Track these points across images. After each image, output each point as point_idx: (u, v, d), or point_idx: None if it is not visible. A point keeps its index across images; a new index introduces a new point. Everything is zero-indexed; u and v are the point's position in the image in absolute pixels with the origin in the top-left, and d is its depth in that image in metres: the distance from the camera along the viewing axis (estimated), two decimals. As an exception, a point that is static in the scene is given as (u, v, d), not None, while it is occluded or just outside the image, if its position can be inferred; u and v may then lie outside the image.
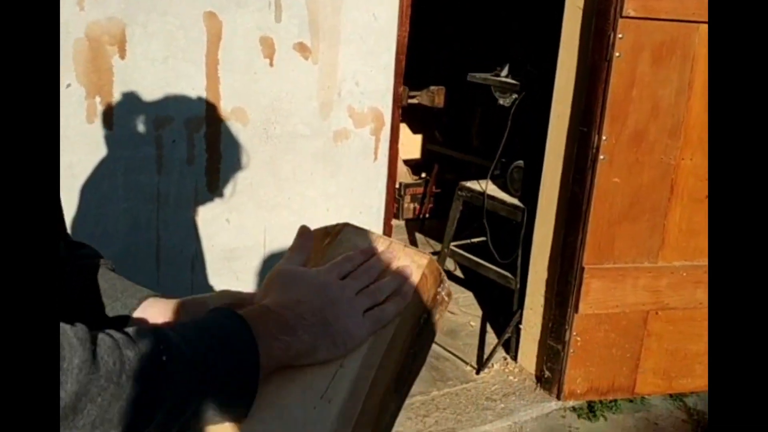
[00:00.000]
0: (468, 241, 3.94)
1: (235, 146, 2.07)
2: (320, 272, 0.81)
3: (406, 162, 5.33)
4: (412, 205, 5.20)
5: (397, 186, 5.04)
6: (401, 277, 0.83)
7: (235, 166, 2.10)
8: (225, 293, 0.86)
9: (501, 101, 3.54)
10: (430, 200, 5.17)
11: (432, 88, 4.87)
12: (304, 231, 0.87)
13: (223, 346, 0.68)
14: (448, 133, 5.29)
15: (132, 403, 0.59)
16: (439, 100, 4.91)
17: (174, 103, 1.94)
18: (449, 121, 5.21)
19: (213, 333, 0.69)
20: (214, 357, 0.67)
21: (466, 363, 3.35)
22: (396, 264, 0.85)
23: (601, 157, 2.78)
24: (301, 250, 0.85)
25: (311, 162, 2.20)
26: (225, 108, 2.02)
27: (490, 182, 3.56)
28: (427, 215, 5.19)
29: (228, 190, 2.10)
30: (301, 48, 2.09)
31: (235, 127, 2.05)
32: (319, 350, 0.75)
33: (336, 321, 0.76)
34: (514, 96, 3.46)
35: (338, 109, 2.19)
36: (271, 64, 2.05)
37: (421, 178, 5.33)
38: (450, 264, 4.23)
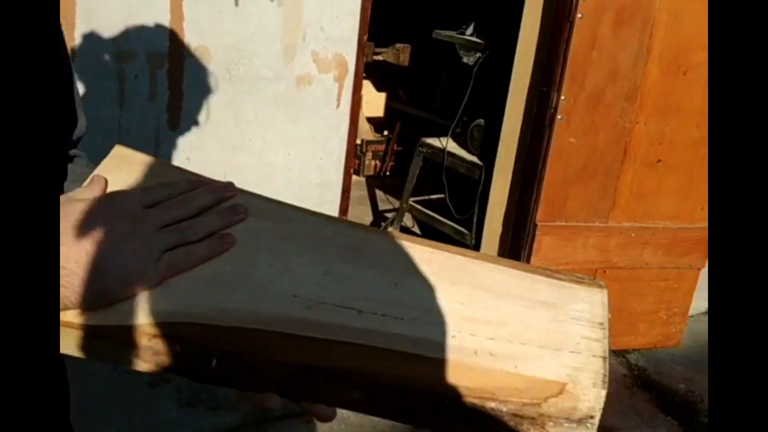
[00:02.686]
0: (427, 197, 4.00)
1: (197, 85, 2.07)
2: (118, 196, 0.66)
3: (369, 119, 5.35)
4: (373, 162, 5.23)
5: (359, 142, 5.07)
6: (231, 215, 0.68)
7: (197, 105, 2.10)
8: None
9: (465, 59, 3.58)
10: (392, 158, 5.21)
11: (397, 45, 4.88)
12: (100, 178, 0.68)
13: None
14: (411, 92, 5.32)
15: None
16: (405, 58, 4.93)
17: (137, 36, 1.93)
18: (414, 79, 5.23)
19: None
20: None
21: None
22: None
23: (559, 117, 2.84)
24: (98, 183, 0.67)
25: (273, 106, 2.22)
26: (188, 45, 2.02)
27: (450, 140, 3.61)
28: (387, 173, 5.24)
29: (189, 128, 2.11)
30: (267, -11, 2.09)
31: (198, 65, 2.06)
32: (86, 302, 0.59)
33: (106, 265, 0.59)
34: (478, 55, 3.50)
35: (302, 53, 2.20)
36: (236, 4, 2.05)
37: (383, 136, 5.36)
38: (408, 220, 4.29)
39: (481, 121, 3.45)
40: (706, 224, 3.21)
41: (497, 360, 0.62)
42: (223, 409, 2.47)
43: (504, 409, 0.62)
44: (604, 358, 0.65)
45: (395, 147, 5.17)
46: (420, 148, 3.71)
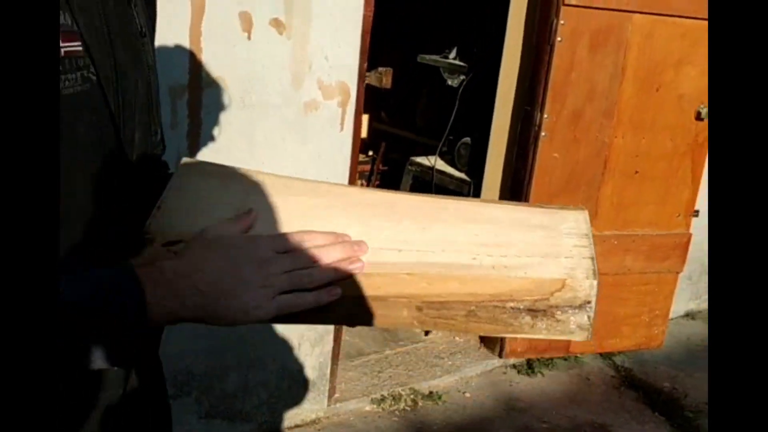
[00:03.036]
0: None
1: (214, 113, 2.22)
2: (255, 241, 0.78)
3: (354, 141, 5.51)
4: (359, 182, 5.38)
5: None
6: (343, 272, 0.79)
7: (214, 131, 2.26)
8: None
9: (449, 82, 3.77)
10: (377, 177, 5.37)
11: (380, 69, 5.04)
12: (251, 212, 0.83)
13: (107, 304, 0.69)
14: (394, 112, 5.49)
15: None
16: (387, 81, 5.09)
17: (160, 72, 2.08)
18: (395, 101, 5.42)
19: (102, 286, 0.70)
20: (95, 310, 0.69)
21: (415, 326, 3.58)
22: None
23: (543, 134, 3.03)
24: (243, 221, 0.82)
25: (283, 130, 2.38)
26: (206, 76, 2.18)
27: (438, 158, 3.80)
28: (373, 192, 5.39)
29: (207, 153, 2.26)
30: (277, 24, 2.25)
31: (215, 94, 2.21)
32: (206, 319, 0.74)
33: (231, 296, 0.74)
34: (462, 77, 3.70)
35: (309, 81, 2.37)
36: (249, 38, 2.21)
37: (368, 156, 5.52)
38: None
39: (468, 139, 3.64)
40: (682, 230, 3.42)
41: (510, 270, 0.81)
42: (239, 420, 2.60)
43: (521, 306, 0.80)
44: (592, 258, 0.84)
45: (380, 166, 5.33)
46: (409, 167, 3.88)
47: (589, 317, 0.81)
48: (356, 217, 0.87)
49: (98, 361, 0.73)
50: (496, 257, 0.83)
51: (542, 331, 0.81)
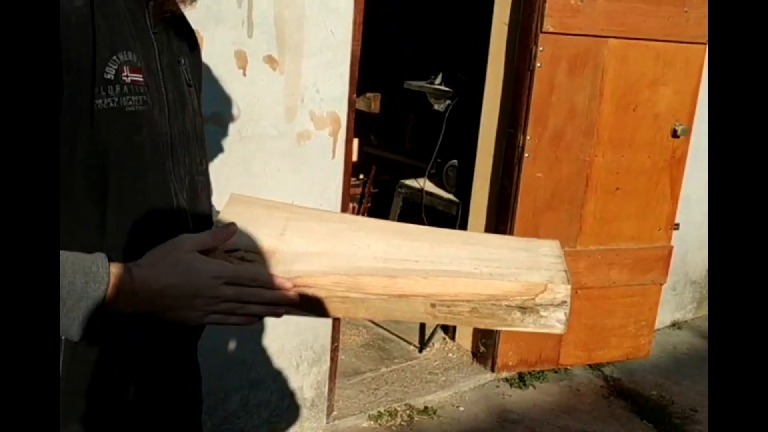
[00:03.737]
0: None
1: (213, 146, 2.34)
2: (213, 268, 0.94)
3: (344, 164, 5.63)
4: (351, 205, 5.51)
5: (337, 186, 5.35)
6: (268, 309, 0.98)
7: (214, 163, 2.38)
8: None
9: (436, 106, 3.91)
10: (368, 200, 5.50)
11: (368, 94, 5.18)
12: (230, 226, 0.98)
13: (78, 298, 0.86)
14: (383, 136, 5.63)
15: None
16: (375, 106, 5.24)
17: (161, 108, 2.21)
18: (384, 125, 5.56)
19: (78, 266, 0.86)
20: (67, 297, 0.85)
21: (410, 343, 3.69)
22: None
23: (526, 155, 3.16)
24: (214, 237, 0.97)
25: (278, 160, 2.50)
26: (205, 113, 2.29)
27: (427, 180, 3.92)
28: (365, 214, 5.52)
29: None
30: (270, 60, 2.38)
31: (213, 129, 2.33)
32: (153, 316, 0.94)
33: (177, 311, 0.93)
34: (448, 102, 3.83)
35: (301, 113, 2.49)
36: (244, 74, 2.34)
37: (359, 179, 5.65)
38: (390, 257, 4.56)
39: (455, 161, 3.76)
40: (664, 243, 3.56)
41: (504, 277, 1.03)
42: (242, 438, 2.69)
43: (513, 305, 1.02)
44: (566, 270, 1.06)
45: (371, 189, 5.46)
46: (399, 189, 4.01)
47: (565, 313, 1.02)
48: (377, 237, 1.11)
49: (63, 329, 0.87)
50: (492, 268, 1.06)
51: (530, 325, 1.03)
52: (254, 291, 0.96)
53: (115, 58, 0.93)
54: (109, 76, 0.92)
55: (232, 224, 0.98)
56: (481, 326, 1.05)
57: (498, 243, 1.18)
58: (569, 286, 1.01)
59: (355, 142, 5.90)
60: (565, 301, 1.01)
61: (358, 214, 5.48)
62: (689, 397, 3.45)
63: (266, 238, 1.04)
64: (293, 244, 1.05)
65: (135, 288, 0.90)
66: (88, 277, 0.86)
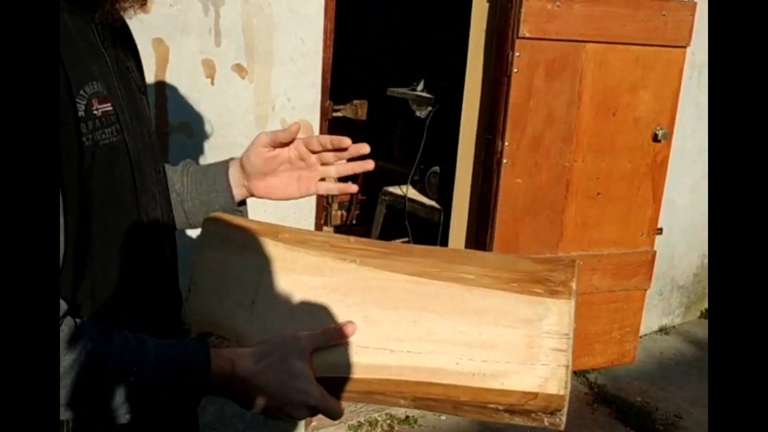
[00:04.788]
0: (392, 242, 4.27)
1: (182, 156, 2.33)
2: (308, 389, 0.94)
3: (333, 172, 5.62)
4: (340, 213, 5.49)
5: (325, 195, 5.33)
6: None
7: (182, 173, 2.36)
8: (248, 151, 1.24)
9: (418, 113, 3.90)
10: (357, 207, 5.48)
11: (355, 102, 5.17)
12: (349, 328, 0.96)
13: (176, 376, 0.88)
14: (371, 143, 5.62)
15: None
16: (362, 113, 5.22)
17: (127, 118, 2.20)
18: (372, 132, 5.54)
19: (180, 375, 0.88)
20: (167, 398, 0.89)
21: (393, 352, 3.66)
22: None
23: (505, 161, 3.15)
24: (321, 338, 0.96)
25: (249, 169, 2.49)
26: (172, 123, 2.29)
27: (410, 187, 3.91)
28: (354, 221, 5.50)
29: (176, 195, 2.36)
30: (239, 69, 2.37)
31: (182, 139, 2.32)
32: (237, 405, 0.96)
33: (266, 411, 0.94)
34: (429, 108, 3.82)
35: (273, 121, 2.48)
36: (212, 83, 2.33)
37: (347, 186, 5.64)
38: (376, 265, 4.55)
39: (437, 168, 3.75)
40: (647, 248, 3.53)
41: (489, 379, 0.91)
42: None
43: (500, 408, 0.91)
44: (567, 366, 0.91)
45: (360, 196, 5.44)
46: (383, 197, 3.99)
47: (560, 419, 0.90)
48: (356, 309, 0.97)
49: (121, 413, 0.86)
50: (477, 362, 0.92)
51: (520, 422, 0.92)
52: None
53: (82, 92, 0.88)
54: (81, 114, 0.87)
55: (352, 324, 0.97)
56: (470, 418, 1.00)
57: (496, 309, 0.95)
58: (567, 393, 0.90)
59: (344, 149, 5.89)
60: (560, 410, 0.90)
61: (347, 222, 5.47)
62: (674, 403, 3.43)
63: (238, 312, 1.00)
64: (264, 322, 1.00)
65: (233, 383, 0.92)
66: (189, 375, 0.89)
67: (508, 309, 0.95)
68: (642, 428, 3.20)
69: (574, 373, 3.63)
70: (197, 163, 2.40)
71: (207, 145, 2.38)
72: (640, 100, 3.29)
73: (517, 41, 3.00)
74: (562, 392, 0.89)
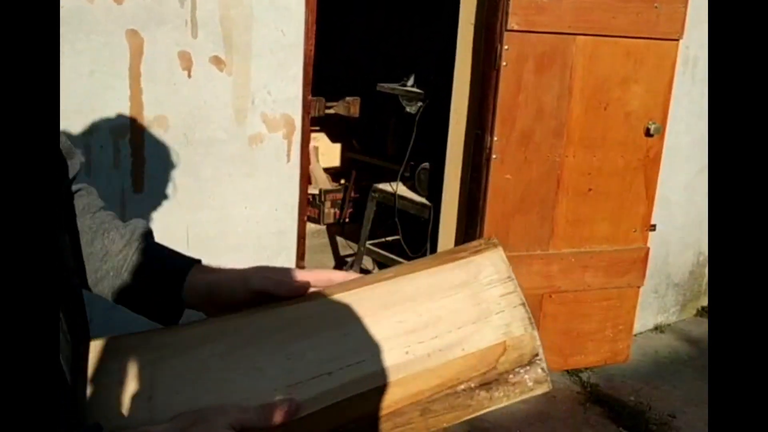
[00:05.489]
0: (383, 239, 4.22)
1: (157, 151, 2.28)
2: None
3: (326, 170, 5.58)
4: (332, 211, 5.44)
5: (317, 192, 5.29)
6: None
7: (159, 168, 2.31)
8: (263, 269, 0.87)
9: (408, 109, 3.84)
10: (350, 205, 5.43)
11: (347, 99, 5.13)
12: (290, 407, 0.75)
13: None
14: (364, 141, 5.57)
15: None
16: (354, 110, 5.18)
17: (100, 112, 2.14)
18: (365, 129, 5.50)
19: None
20: None
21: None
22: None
23: (494, 156, 3.09)
24: (262, 419, 0.74)
25: (229, 164, 2.43)
26: (148, 116, 2.23)
27: (400, 184, 3.85)
28: (347, 219, 5.45)
29: (152, 191, 2.31)
30: (216, 61, 2.32)
31: (158, 133, 2.26)
32: None
33: None
34: (420, 104, 3.77)
35: (252, 115, 2.43)
36: (189, 76, 2.27)
37: (340, 184, 5.59)
38: (369, 262, 4.49)
39: (427, 164, 3.70)
40: (640, 245, 3.47)
41: (448, 352, 0.77)
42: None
43: (472, 385, 0.76)
44: (523, 304, 0.80)
45: (352, 194, 5.39)
46: (373, 194, 3.94)
47: (542, 369, 0.77)
48: (273, 352, 0.80)
49: None
50: (428, 342, 0.78)
51: (502, 400, 0.77)
52: None
53: None
54: None
55: (292, 401, 0.76)
56: (445, 425, 0.79)
57: (426, 287, 0.84)
58: (535, 332, 0.78)
59: (337, 147, 5.86)
60: (536, 354, 0.77)
61: (339, 220, 5.42)
62: (668, 402, 3.36)
63: (137, 410, 0.78)
64: (171, 407, 0.77)
65: None
66: None
67: (440, 281, 0.84)
68: (635, 428, 3.14)
69: (567, 372, 3.57)
70: (173, 159, 2.35)
71: (185, 139, 2.33)
72: (632, 94, 3.23)
73: (506, 34, 2.94)
74: (529, 330, 0.78)
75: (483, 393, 0.77)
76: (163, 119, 2.26)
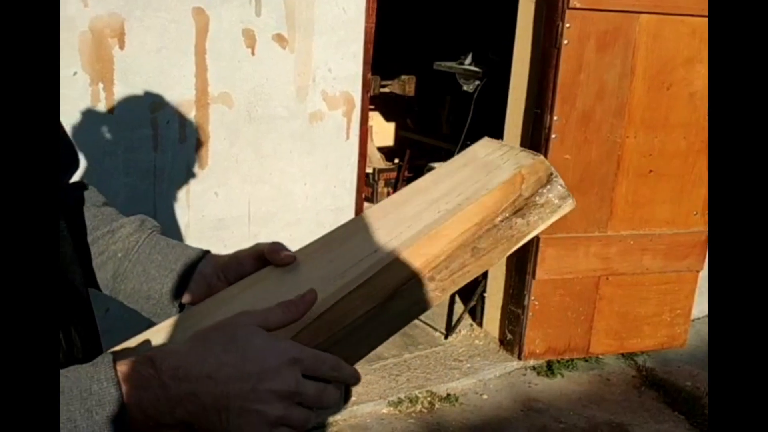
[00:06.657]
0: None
1: (222, 127, 2.32)
2: (283, 346, 0.67)
3: (380, 149, 5.59)
4: (386, 190, 5.46)
5: (371, 171, 5.31)
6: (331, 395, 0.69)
7: (222, 144, 2.35)
8: (258, 246, 0.87)
9: (465, 87, 3.82)
10: (403, 184, 5.44)
11: (403, 77, 5.12)
12: (309, 296, 0.72)
13: (88, 415, 0.60)
14: (419, 119, 5.56)
15: None
16: (410, 89, 5.17)
17: (167, 88, 2.19)
18: (420, 108, 5.48)
19: (78, 403, 0.60)
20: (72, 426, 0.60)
21: (436, 329, 3.63)
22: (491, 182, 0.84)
23: (553, 136, 3.06)
24: (287, 312, 0.70)
25: (290, 141, 2.46)
26: (213, 93, 2.27)
27: (456, 163, 3.84)
28: (400, 198, 5.46)
29: (216, 166, 2.35)
30: (279, 39, 2.34)
31: (222, 109, 2.30)
32: (192, 427, 0.64)
33: (245, 412, 0.63)
34: (477, 82, 3.74)
35: (313, 93, 2.45)
36: (252, 53, 2.30)
37: (394, 163, 5.60)
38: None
39: (483, 144, 3.68)
40: (700, 228, 3.40)
41: (474, 197, 0.83)
42: None
43: (507, 214, 0.83)
44: (522, 149, 0.89)
45: (406, 173, 5.40)
46: (427, 173, 3.94)
47: (561, 185, 0.84)
48: (310, 267, 0.85)
49: None
50: (454, 199, 0.85)
51: (538, 223, 0.84)
52: (330, 393, 0.69)
53: None
54: None
55: (311, 290, 0.73)
56: (495, 261, 0.84)
57: (436, 178, 0.92)
58: (540, 156, 0.85)
59: (391, 125, 5.85)
60: (551, 173, 0.84)
61: (393, 198, 5.42)
62: (726, 389, 3.31)
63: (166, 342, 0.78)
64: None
65: (164, 381, 0.62)
66: (89, 402, 0.60)
67: (445, 173, 0.93)
68: (691, 413, 3.11)
69: (622, 355, 3.54)
70: (236, 135, 2.39)
71: (248, 116, 2.36)
72: (696, 74, 3.15)
73: (568, 12, 2.90)
74: (537, 158, 0.85)
75: (519, 220, 0.83)
76: (227, 96, 2.30)
